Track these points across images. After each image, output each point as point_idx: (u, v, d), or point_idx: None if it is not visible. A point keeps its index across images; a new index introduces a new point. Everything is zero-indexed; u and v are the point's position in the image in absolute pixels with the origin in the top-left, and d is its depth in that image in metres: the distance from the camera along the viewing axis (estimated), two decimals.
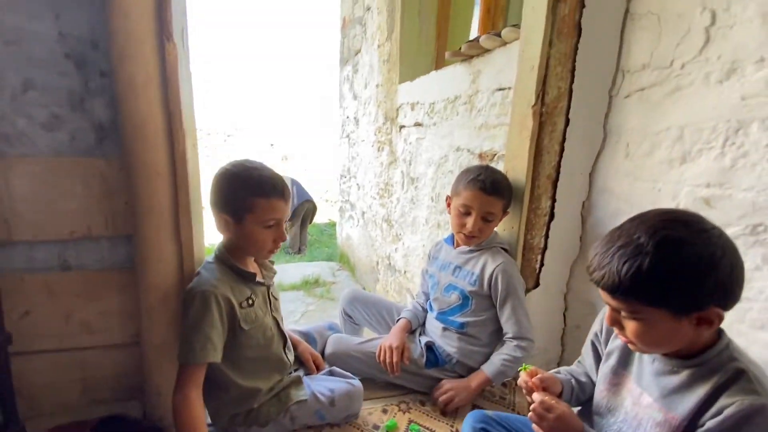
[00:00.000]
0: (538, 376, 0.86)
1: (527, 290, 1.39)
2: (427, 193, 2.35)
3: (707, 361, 0.72)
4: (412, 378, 1.33)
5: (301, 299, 3.43)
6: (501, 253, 1.33)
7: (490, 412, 0.98)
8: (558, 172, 1.31)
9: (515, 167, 1.35)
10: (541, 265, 1.39)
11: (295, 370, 1.19)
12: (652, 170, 1.13)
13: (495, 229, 1.37)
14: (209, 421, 1.13)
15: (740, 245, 0.91)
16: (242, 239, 1.02)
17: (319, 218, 6.52)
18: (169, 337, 1.06)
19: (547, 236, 1.37)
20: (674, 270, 0.65)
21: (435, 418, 1.23)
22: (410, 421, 1.20)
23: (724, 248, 0.67)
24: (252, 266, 1.10)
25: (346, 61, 3.99)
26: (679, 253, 0.65)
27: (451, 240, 1.45)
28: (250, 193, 0.98)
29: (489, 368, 1.26)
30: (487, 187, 1.24)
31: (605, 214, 1.29)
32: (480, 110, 1.78)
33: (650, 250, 0.66)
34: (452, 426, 1.20)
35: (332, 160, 6.99)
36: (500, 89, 1.63)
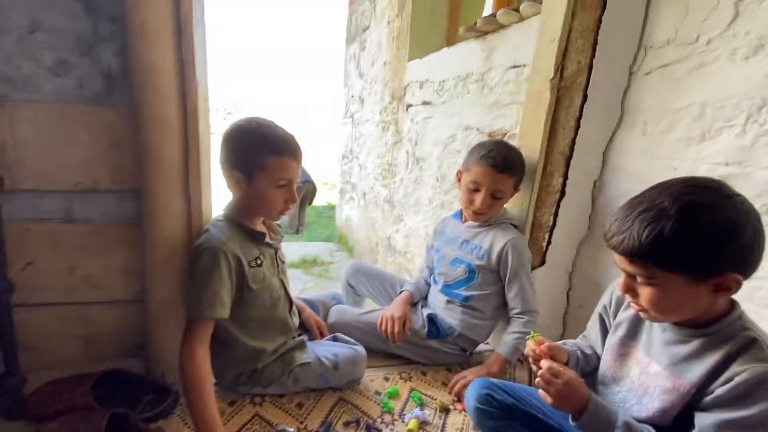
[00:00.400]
0: (546, 344, 0.86)
1: (533, 267, 1.39)
2: (432, 173, 2.33)
3: (720, 330, 0.72)
4: (412, 349, 1.33)
5: (299, 277, 3.43)
6: (511, 228, 1.32)
7: (494, 380, 0.99)
8: (572, 150, 1.29)
9: (529, 143, 1.33)
10: (549, 243, 1.39)
11: (299, 335, 1.19)
12: (670, 148, 1.12)
13: (505, 205, 1.36)
14: (214, 379, 1.13)
15: None
16: (253, 198, 1.00)
17: (317, 201, 6.49)
18: (174, 293, 1.05)
19: (556, 214, 1.36)
20: (697, 234, 0.65)
21: (437, 388, 1.24)
22: (412, 389, 1.20)
23: (748, 213, 0.66)
24: (260, 227, 1.09)
25: (353, 38, 3.91)
26: (703, 217, 0.65)
27: (459, 215, 1.45)
28: (262, 150, 0.96)
29: (504, 349, 1.25)
30: (498, 164, 1.22)
31: (617, 193, 1.28)
32: (492, 88, 1.75)
33: (673, 214, 0.65)
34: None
35: (332, 143, 6.92)
36: (515, 66, 1.60)
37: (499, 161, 1.22)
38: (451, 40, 2.49)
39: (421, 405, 1.13)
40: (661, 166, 1.13)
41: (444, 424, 1.09)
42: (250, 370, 1.06)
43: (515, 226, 1.34)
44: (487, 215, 1.31)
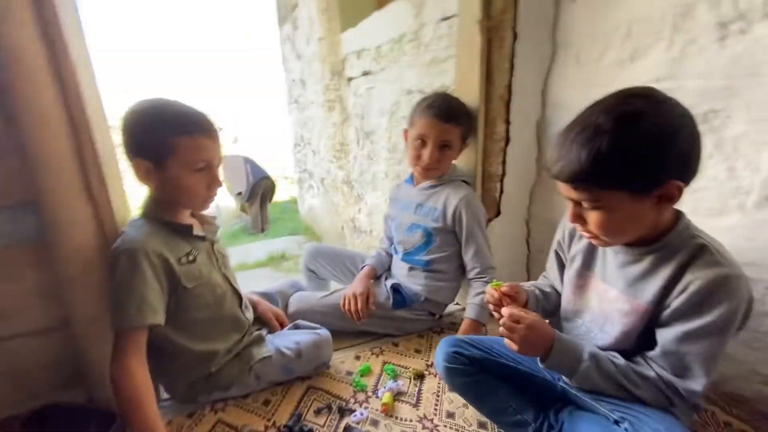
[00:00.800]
0: (505, 285, 0.83)
1: (489, 220, 1.36)
2: (383, 146, 2.25)
3: (669, 243, 0.70)
4: (380, 322, 1.28)
5: (268, 275, 3.31)
6: (463, 186, 1.28)
7: (462, 336, 0.95)
8: (510, 92, 1.25)
9: (467, 92, 1.28)
10: (501, 192, 1.36)
11: (257, 330, 1.11)
12: (604, 74, 1.09)
13: (454, 162, 1.31)
14: (165, 395, 1.04)
15: None
16: (169, 187, 0.89)
17: (279, 197, 6.31)
18: (101, 310, 0.93)
19: (504, 162, 1.32)
20: (634, 145, 0.62)
21: (409, 356, 1.20)
22: (384, 363, 1.16)
23: (683, 117, 0.64)
24: (188, 220, 0.98)
25: (285, 18, 3.70)
26: (639, 126, 0.62)
27: (411, 179, 1.39)
28: (169, 131, 0.85)
29: (472, 311, 1.20)
30: (441, 114, 1.17)
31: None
32: (427, 45, 1.68)
33: (609, 129, 0.62)
34: (427, 360, 1.17)
35: (286, 135, 6.69)
36: (445, 18, 1.53)
37: (443, 110, 1.17)
38: (381, 2, 2.38)
39: (395, 377, 1.09)
40: (599, 94, 1.07)
41: (420, 390, 1.05)
42: (205, 375, 0.97)
43: (467, 183, 1.30)
44: (437, 170, 1.25)
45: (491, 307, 0.83)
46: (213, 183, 0.91)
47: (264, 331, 1.12)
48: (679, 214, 0.72)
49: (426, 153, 1.20)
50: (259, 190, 5.27)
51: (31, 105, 0.80)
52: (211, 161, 0.90)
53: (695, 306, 0.65)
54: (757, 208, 0.87)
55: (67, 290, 0.92)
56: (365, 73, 2.29)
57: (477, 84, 1.22)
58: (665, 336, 0.70)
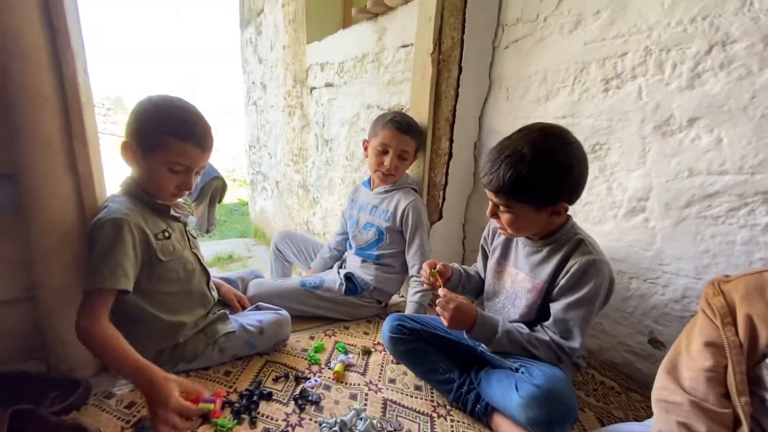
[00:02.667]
0: (440, 263, 1.03)
1: (432, 222, 1.58)
2: (341, 153, 2.42)
3: (559, 238, 0.95)
4: (333, 306, 1.43)
5: (215, 275, 3.28)
6: (411, 192, 1.48)
7: (404, 313, 1.14)
8: (454, 116, 1.49)
9: (419, 112, 1.50)
10: (444, 199, 1.58)
11: (220, 311, 1.20)
12: (526, 109, 1.37)
13: (407, 171, 1.51)
14: None
15: None
16: (144, 174, 0.98)
17: (227, 198, 6.15)
18: (71, 281, 0.98)
19: (447, 174, 1.56)
20: (544, 174, 0.85)
21: (358, 337, 1.35)
22: (336, 342, 1.30)
23: (579, 158, 0.88)
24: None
25: (248, 22, 3.77)
26: (550, 161, 0.85)
27: (369, 183, 1.57)
28: (163, 129, 0.95)
29: (410, 309, 1.36)
30: (402, 127, 1.37)
31: None
32: (387, 67, 1.89)
33: (528, 159, 0.84)
34: (374, 340, 1.34)
35: (238, 136, 6.57)
36: (404, 46, 1.76)
37: (404, 124, 1.38)
38: (347, 21, 2.58)
39: (346, 352, 1.24)
40: (522, 125, 1.37)
41: (367, 363, 1.21)
42: (172, 345, 1.05)
43: (416, 190, 1.51)
44: (393, 177, 1.45)
45: (423, 279, 1.02)
46: (183, 185, 1.01)
47: (227, 311, 1.21)
48: (568, 218, 0.98)
49: (387, 160, 1.39)
50: (209, 190, 5.13)
51: (23, 81, 0.87)
52: (190, 167, 0.99)
53: (574, 283, 0.90)
54: (625, 218, 1.16)
55: (41, 261, 0.96)
56: (328, 85, 2.46)
57: (428, 106, 1.45)
58: (555, 307, 0.93)
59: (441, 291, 0.97)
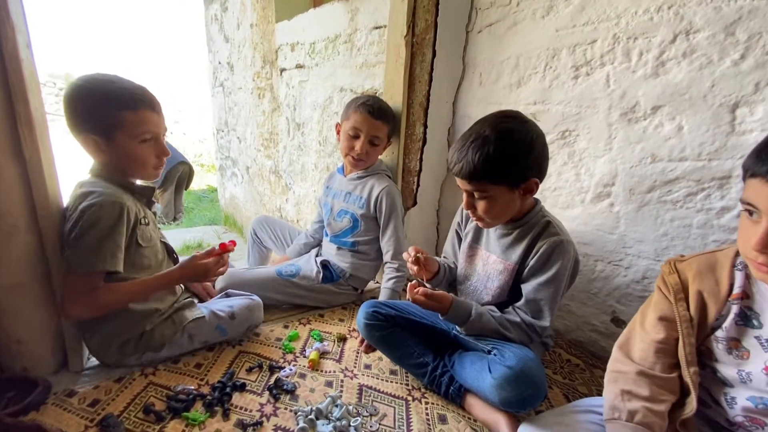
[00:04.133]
0: (425, 256, 1.02)
1: (407, 209, 1.58)
2: (314, 138, 2.36)
3: (529, 220, 0.97)
4: (309, 294, 1.42)
5: None
6: (385, 178, 1.47)
7: (379, 300, 1.14)
8: (428, 101, 1.48)
9: (392, 96, 1.47)
10: (418, 186, 1.58)
11: (188, 298, 1.16)
12: (498, 95, 1.37)
13: (380, 157, 1.49)
14: (94, 359, 1.05)
15: (554, 148, 1.20)
16: (121, 159, 0.95)
17: (194, 185, 5.92)
18: (23, 276, 0.91)
19: (421, 159, 1.55)
20: (510, 150, 0.86)
21: (333, 324, 1.35)
22: (311, 330, 1.30)
23: (537, 133, 0.90)
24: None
25: None
26: (512, 138, 0.86)
27: (342, 169, 1.54)
28: (113, 107, 0.91)
29: (385, 296, 1.37)
30: (374, 112, 1.34)
31: None
32: (360, 49, 1.84)
33: (492, 139, 0.85)
34: (349, 327, 1.34)
35: (205, 120, 6.30)
36: (377, 27, 1.71)
37: (376, 108, 1.35)
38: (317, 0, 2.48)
39: (321, 340, 1.24)
40: (493, 111, 1.38)
41: (342, 349, 1.21)
42: (138, 334, 1.01)
43: (389, 176, 1.49)
44: (365, 162, 1.42)
45: (409, 264, 1.01)
46: (161, 152, 1.00)
47: (195, 300, 1.18)
48: (536, 201, 1.00)
49: (358, 144, 1.37)
50: (174, 176, 4.91)
51: None
52: (156, 132, 0.97)
53: (542, 263, 0.93)
54: (592, 203, 1.20)
55: None
56: (299, 66, 2.37)
57: (402, 90, 1.43)
58: (527, 288, 0.96)
59: (421, 289, 0.94)
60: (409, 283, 0.95)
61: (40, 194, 0.91)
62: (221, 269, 1.06)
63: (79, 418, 0.88)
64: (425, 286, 0.94)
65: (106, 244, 0.89)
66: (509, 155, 0.86)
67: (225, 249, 1.08)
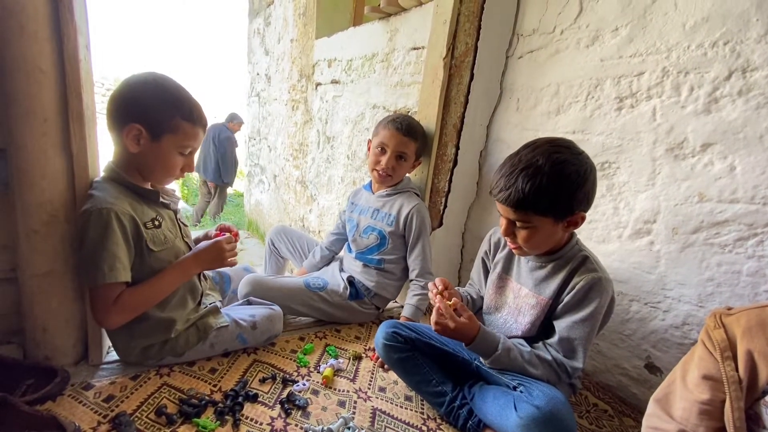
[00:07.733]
0: (448, 290, 0.98)
1: (432, 229, 1.55)
2: (343, 152, 2.38)
3: (564, 254, 0.93)
4: (333, 309, 1.39)
5: None
6: (414, 196, 1.45)
7: (399, 321, 1.11)
8: (462, 123, 1.47)
9: (427, 116, 1.47)
10: (445, 207, 1.56)
11: (211, 303, 1.16)
12: (535, 121, 1.35)
13: (408, 175, 1.48)
14: (117, 356, 1.05)
15: None
16: (151, 159, 0.94)
17: None
18: (56, 264, 0.94)
19: (450, 181, 1.53)
20: (563, 184, 0.82)
21: (349, 341, 1.32)
22: (327, 345, 1.27)
23: (590, 166, 0.86)
24: (150, 187, 1.03)
25: (257, 12, 3.72)
26: (566, 170, 0.82)
27: (370, 186, 1.54)
28: (176, 112, 0.93)
29: (407, 311, 1.35)
30: (402, 128, 1.34)
31: (498, 161, 1.48)
32: (396, 68, 1.87)
33: (546, 170, 0.82)
34: (365, 345, 1.31)
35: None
36: (415, 48, 1.73)
37: (404, 126, 1.36)
38: (357, 19, 2.55)
39: (336, 356, 1.21)
40: (529, 137, 1.35)
41: (357, 368, 1.18)
42: (162, 340, 1.01)
43: (418, 195, 1.48)
44: (391, 178, 1.41)
45: (431, 295, 0.98)
46: (187, 167, 1.01)
47: (218, 304, 1.17)
48: (572, 234, 0.95)
49: (384, 159, 1.36)
50: (225, 187, 5.26)
51: (23, 54, 0.82)
52: (196, 149, 1.00)
53: (578, 301, 0.88)
54: (630, 239, 1.14)
55: (24, 242, 0.92)
56: (334, 82, 2.42)
57: (436, 110, 1.42)
58: (560, 325, 0.91)
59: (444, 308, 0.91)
60: (434, 309, 0.91)
61: (82, 187, 0.94)
62: (232, 258, 1.09)
63: (93, 413, 0.88)
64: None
65: (101, 257, 0.86)
66: (561, 188, 0.82)
67: (226, 229, 1.14)
